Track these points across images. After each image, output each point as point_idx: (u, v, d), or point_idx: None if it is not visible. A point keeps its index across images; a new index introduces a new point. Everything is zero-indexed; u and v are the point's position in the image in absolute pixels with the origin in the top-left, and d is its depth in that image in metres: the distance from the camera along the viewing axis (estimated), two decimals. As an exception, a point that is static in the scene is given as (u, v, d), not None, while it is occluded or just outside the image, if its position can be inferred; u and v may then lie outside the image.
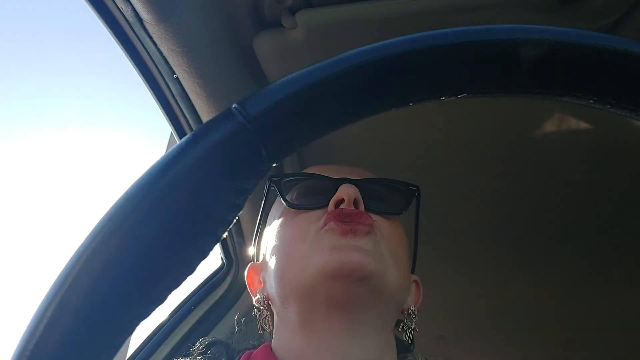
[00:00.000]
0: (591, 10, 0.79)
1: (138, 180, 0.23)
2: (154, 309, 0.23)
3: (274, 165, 0.25)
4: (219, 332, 1.15)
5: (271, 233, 0.68)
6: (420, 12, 0.79)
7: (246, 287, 1.25)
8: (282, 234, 0.65)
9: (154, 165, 0.23)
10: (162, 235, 0.22)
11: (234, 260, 1.24)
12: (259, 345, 0.68)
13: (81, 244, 0.22)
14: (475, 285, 1.35)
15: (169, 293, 0.23)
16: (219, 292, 1.22)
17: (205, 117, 0.92)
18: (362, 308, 0.59)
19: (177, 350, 1.06)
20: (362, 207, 0.63)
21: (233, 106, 0.24)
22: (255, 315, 0.69)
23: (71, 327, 0.21)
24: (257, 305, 0.69)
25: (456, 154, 1.08)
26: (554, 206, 1.19)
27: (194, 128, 0.95)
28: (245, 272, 0.74)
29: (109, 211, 0.22)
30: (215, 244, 0.24)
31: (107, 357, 0.22)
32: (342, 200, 0.62)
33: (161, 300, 0.23)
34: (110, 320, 0.22)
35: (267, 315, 0.67)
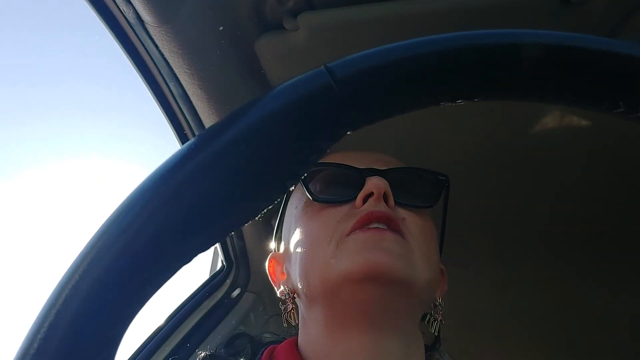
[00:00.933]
0: (592, 13, 0.79)
1: (223, 119, 0.24)
2: (212, 244, 0.24)
3: (350, 132, 0.25)
4: (219, 335, 1.15)
5: (294, 225, 0.65)
6: (422, 14, 0.79)
7: (246, 290, 1.26)
8: (306, 229, 0.62)
9: (239, 108, 0.24)
10: (235, 176, 0.23)
11: (234, 263, 1.24)
12: (283, 339, 0.67)
13: (163, 166, 0.23)
14: (475, 286, 1.34)
15: (230, 232, 0.25)
16: (219, 294, 1.22)
17: (206, 119, 0.92)
18: (390, 311, 0.57)
19: (175, 352, 1.06)
20: (392, 201, 0.60)
21: (323, 66, 0.25)
22: (280, 308, 0.67)
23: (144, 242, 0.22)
24: (282, 298, 0.67)
25: (457, 154, 1.08)
26: (555, 208, 1.19)
27: (194, 130, 0.95)
28: (267, 262, 0.71)
29: (193, 142, 0.24)
30: (282, 195, 0.25)
31: (162, 279, 0.23)
32: (370, 194, 0.59)
33: (221, 237, 0.24)
34: (171, 249, 0.23)
35: (292, 309, 0.65)
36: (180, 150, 0.24)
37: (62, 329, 0.21)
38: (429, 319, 0.64)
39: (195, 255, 0.24)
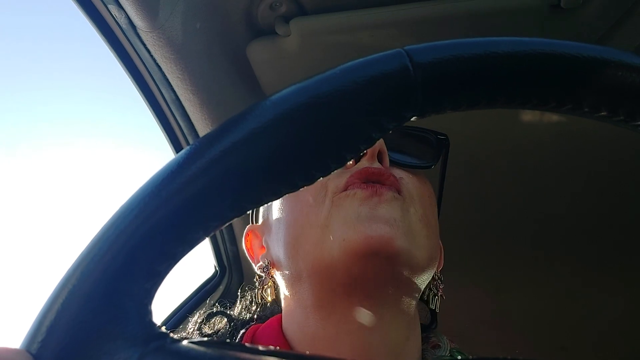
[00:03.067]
0: (583, 19, 0.80)
1: (299, 83, 0.25)
2: (263, 203, 0.25)
3: (417, 117, 0.25)
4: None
5: None
6: (414, 20, 0.79)
7: (238, 296, 1.26)
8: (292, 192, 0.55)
9: (314, 77, 0.25)
10: (296, 141, 0.24)
11: (227, 268, 1.24)
12: (264, 318, 0.61)
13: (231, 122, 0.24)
14: (468, 291, 1.35)
15: (280, 195, 0.25)
16: (212, 300, 1.22)
17: (198, 124, 0.92)
18: (389, 289, 0.51)
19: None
20: (387, 161, 0.55)
21: (403, 48, 0.25)
22: (255, 283, 0.61)
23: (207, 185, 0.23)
24: (259, 273, 0.60)
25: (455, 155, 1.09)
26: (549, 212, 1.20)
27: (187, 135, 0.95)
28: (243, 236, 0.65)
29: (267, 101, 0.24)
30: (339, 166, 0.25)
31: (212, 227, 0.24)
32: (363, 154, 0.54)
33: (273, 196, 0.25)
34: (226, 197, 0.24)
35: (270, 284, 0.59)
36: (258, 104, 0.25)
37: (116, 246, 0.22)
38: (429, 293, 0.59)
39: (243, 211, 0.25)
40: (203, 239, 0.25)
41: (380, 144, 0.55)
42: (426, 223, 0.54)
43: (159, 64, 0.82)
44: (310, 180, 0.25)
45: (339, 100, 0.24)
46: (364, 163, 0.54)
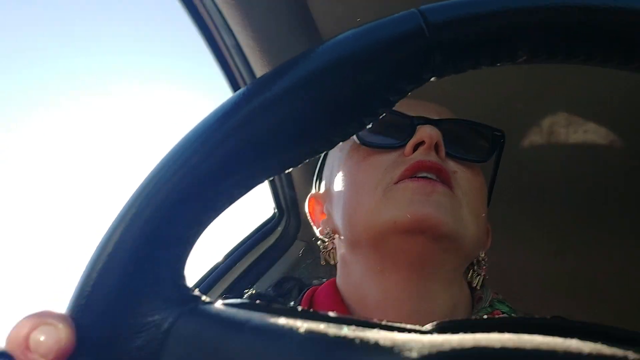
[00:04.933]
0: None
1: (310, 50, 0.25)
2: (282, 171, 0.26)
3: (436, 78, 0.25)
4: (270, 278, 1.20)
5: (338, 168, 0.63)
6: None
7: (296, 238, 1.30)
8: (351, 174, 0.60)
9: (327, 42, 0.25)
10: (317, 106, 0.24)
11: (285, 211, 1.28)
12: (322, 282, 0.67)
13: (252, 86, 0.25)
14: (525, 253, 1.31)
15: (301, 162, 0.26)
16: (270, 240, 1.26)
17: (258, 70, 0.93)
18: (435, 264, 0.55)
19: (230, 290, 1.11)
20: (442, 153, 0.57)
21: (416, 9, 0.24)
22: (319, 247, 0.67)
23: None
24: (321, 237, 0.66)
25: (511, 115, 1.04)
26: (615, 172, 1.13)
27: (247, 81, 0.96)
28: (307, 201, 0.70)
29: (281, 67, 0.25)
30: (359, 131, 0.26)
31: (236, 194, 0.25)
32: (421, 143, 0.56)
33: (292, 164, 0.26)
34: (245, 166, 0.24)
35: (332, 249, 0.64)
36: (268, 74, 0.25)
37: (146, 215, 0.23)
38: (472, 274, 0.63)
39: (265, 178, 0.25)
40: (229, 205, 0.25)
41: (437, 136, 0.56)
42: (476, 214, 0.57)
43: (220, 9, 0.82)
44: (330, 146, 0.25)
45: (354, 66, 0.23)
46: (420, 154, 0.56)
